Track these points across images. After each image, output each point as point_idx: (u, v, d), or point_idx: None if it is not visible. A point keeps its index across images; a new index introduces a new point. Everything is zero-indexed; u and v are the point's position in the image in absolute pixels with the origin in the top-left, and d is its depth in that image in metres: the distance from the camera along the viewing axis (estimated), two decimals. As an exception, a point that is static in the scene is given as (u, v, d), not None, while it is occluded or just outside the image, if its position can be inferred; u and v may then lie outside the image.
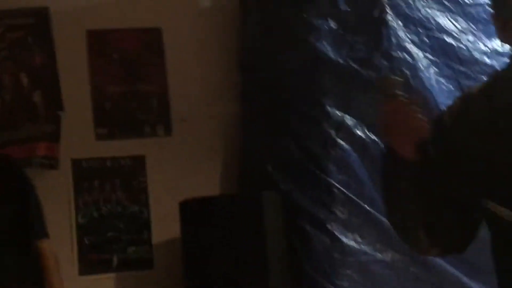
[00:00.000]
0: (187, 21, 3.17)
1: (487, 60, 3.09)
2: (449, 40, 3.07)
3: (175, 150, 3.14)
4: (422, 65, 3.01)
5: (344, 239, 2.86)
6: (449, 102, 2.82)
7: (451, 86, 3.05)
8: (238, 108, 3.16)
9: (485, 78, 2.87)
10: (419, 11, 3.06)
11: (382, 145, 2.77)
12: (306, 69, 2.97)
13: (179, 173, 3.09)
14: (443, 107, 2.78)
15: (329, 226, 2.86)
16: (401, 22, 3.03)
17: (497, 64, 3.05)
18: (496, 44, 3.08)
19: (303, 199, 2.91)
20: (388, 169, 1.45)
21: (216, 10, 3.20)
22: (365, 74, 2.95)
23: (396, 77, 1.44)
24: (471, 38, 3.11)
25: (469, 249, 1.45)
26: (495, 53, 3.10)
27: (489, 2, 2.92)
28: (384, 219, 2.80)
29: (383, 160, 1.46)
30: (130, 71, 3.14)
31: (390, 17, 2.99)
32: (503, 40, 1.43)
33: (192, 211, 2.90)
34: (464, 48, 3.08)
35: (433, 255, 1.79)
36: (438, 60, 3.06)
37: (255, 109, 3.12)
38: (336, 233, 2.85)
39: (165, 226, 3.06)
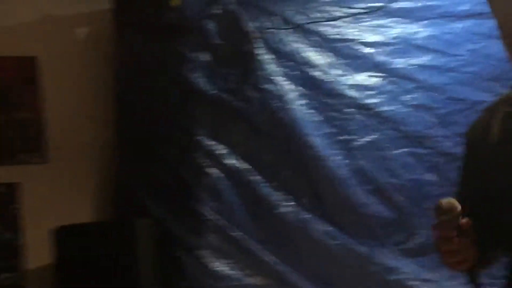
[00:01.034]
0: (63, 50, 3.39)
1: (353, 94, 3.43)
2: (317, 73, 3.39)
3: (51, 177, 3.34)
4: (291, 97, 3.31)
5: (216, 265, 3.10)
6: (316, 132, 3.24)
7: (318, 118, 3.36)
8: (113, 135, 3.38)
9: (350, 110, 3.33)
10: (289, 45, 3.37)
11: (251, 173, 3.16)
12: (178, 100, 3.22)
13: (55, 200, 3.29)
14: (310, 138, 3.21)
15: (200, 253, 3.10)
16: (272, 55, 3.33)
17: (362, 96, 3.47)
18: (361, 78, 3.47)
19: (176, 226, 3.14)
20: None
21: (92, 39, 3.43)
22: (236, 105, 3.24)
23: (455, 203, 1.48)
24: (337, 72, 3.44)
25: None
26: (359, 86, 3.45)
27: (354, 38, 3.37)
28: (253, 244, 3.18)
29: None
30: (5, 99, 3.38)
31: (261, 50, 3.29)
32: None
33: (66, 238, 3.08)
34: (331, 81, 3.40)
35: None
36: (306, 93, 3.36)
37: (129, 137, 3.35)
38: (208, 260, 3.10)
39: (38, 253, 3.23)
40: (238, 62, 3.32)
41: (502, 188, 1.55)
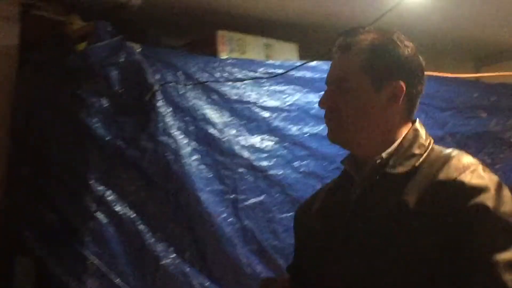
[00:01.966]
0: None
1: (246, 154, 3.74)
2: (213, 131, 3.67)
3: None
4: (186, 151, 3.56)
5: None
6: (207, 188, 3.53)
7: (210, 174, 3.64)
8: (4, 171, 3.55)
9: (241, 170, 3.65)
10: (189, 101, 3.64)
11: (138, 222, 3.39)
12: (73, 143, 3.41)
13: None
14: (199, 194, 3.50)
15: None
16: (170, 108, 3.57)
17: (254, 158, 3.80)
18: (255, 140, 3.79)
19: (57, 268, 3.30)
20: None
21: None
22: (130, 153, 3.45)
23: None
24: (233, 131, 3.73)
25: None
26: (253, 148, 3.77)
27: (253, 101, 3.69)
28: None
29: None
30: None
31: (160, 102, 3.52)
32: None
33: None
34: (226, 140, 3.69)
35: None
36: (201, 149, 3.62)
37: (21, 175, 3.51)
38: None
39: None
40: (137, 111, 3.53)
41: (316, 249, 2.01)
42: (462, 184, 1.73)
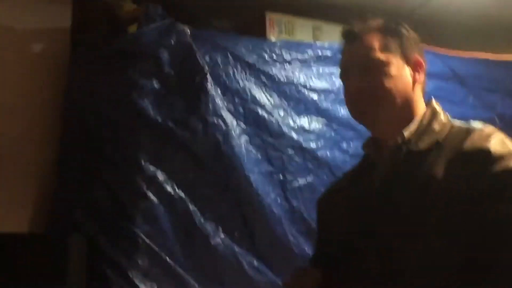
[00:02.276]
0: (16, 64, 3.62)
1: (294, 135, 3.79)
2: (261, 112, 3.73)
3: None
4: (235, 132, 3.62)
5: (143, 287, 3.35)
6: (256, 169, 3.58)
7: (259, 155, 3.69)
8: (56, 152, 3.62)
9: (290, 151, 3.69)
10: (238, 82, 3.70)
11: (188, 202, 3.47)
12: (125, 124, 3.48)
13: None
14: (248, 174, 3.56)
15: (129, 274, 3.33)
16: (220, 90, 3.63)
17: (302, 139, 3.87)
18: (304, 121, 3.86)
19: (108, 245, 3.38)
20: None
21: (47, 56, 3.67)
22: (180, 134, 3.51)
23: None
24: (281, 113, 3.79)
25: None
26: (302, 129, 3.83)
27: (301, 83, 3.74)
28: (181, 271, 3.49)
29: None
30: None
31: (209, 84, 3.58)
32: None
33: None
34: (275, 121, 3.74)
35: None
36: (249, 130, 3.68)
37: (72, 156, 3.58)
38: (136, 281, 3.34)
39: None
40: (187, 93, 3.59)
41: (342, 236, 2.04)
42: (487, 151, 1.75)
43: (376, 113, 1.95)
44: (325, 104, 3.90)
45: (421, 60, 2.01)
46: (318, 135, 3.85)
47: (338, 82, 3.94)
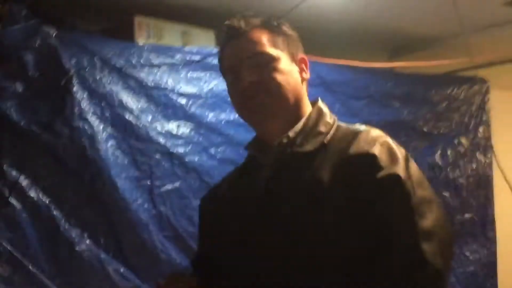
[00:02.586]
0: None
1: (162, 140, 3.79)
2: (129, 117, 3.71)
3: None
4: (101, 137, 3.59)
5: None
6: (123, 174, 3.56)
7: (126, 160, 3.68)
8: None
9: (157, 157, 3.69)
10: (105, 86, 3.66)
11: (52, 208, 3.40)
12: None
13: None
14: (115, 180, 3.53)
15: None
16: (86, 94, 3.59)
17: (170, 144, 3.86)
18: (172, 126, 3.85)
19: None
20: None
21: None
22: (45, 138, 3.46)
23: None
24: (149, 118, 3.78)
25: None
26: (169, 134, 3.83)
27: (170, 87, 3.74)
28: (45, 279, 3.42)
29: None
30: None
31: (75, 87, 3.55)
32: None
33: None
34: (142, 126, 3.73)
35: None
36: (116, 135, 3.66)
37: None
38: None
39: None
40: (52, 96, 3.54)
41: (226, 233, 2.03)
42: (373, 156, 1.78)
43: (269, 107, 1.91)
44: (194, 109, 3.93)
45: (306, 59, 2.02)
46: (186, 140, 3.87)
47: (206, 87, 3.98)
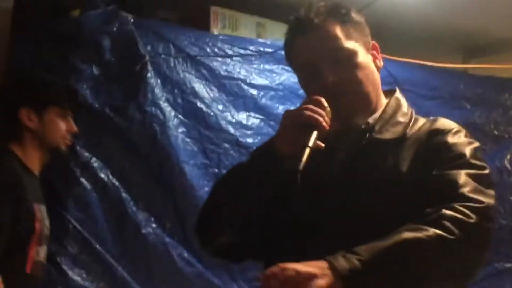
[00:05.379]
0: None
1: (232, 130, 3.83)
2: (200, 105, 3.76)
3: None
4: (172, 123, 3.65)
5: (70, 273, 3.35)
6: (191, 161, 3.60)
7: (195, 148, 3.72)
8: None
9: (226, 145, 3.72)
10: (178, 74, 3.71)
11: (121, 190, 3.46)
12: None
13: None
14: (183, 165, 3.58)
15: (58, 259, 3.33)
16: (160, 80, 3.65)
17: (239, 134, 3.90)
18: (242, 117, 3.91)
19: None
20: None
21: None
22: (117, 122, 3.53)
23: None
24: (220, 107, 3.82)
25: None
26: (239, 125, 3.86)
27: (242, 78, 3.77)
28: (110, 259, 3.49)
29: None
30: None
31: (150, 74, 3.60)
32: None
33: None
34: (213, 115, 3.78)
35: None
36: (187, 122, 3.71)
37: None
38: (64, 267, 3.34)
39: None
40: (126, 81, 3.61)
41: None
42: (446, 143, 1.81)
43: (352, 106, 1.88)
44: (264, 101, 3.95)
45: (377, 45, 1.98)
46: (255, 131, 3.90)
47: (278, 80, 4.00)
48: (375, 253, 1.60)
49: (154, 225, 3.59)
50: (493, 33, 4.94)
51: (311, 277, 1.54)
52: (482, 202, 1.68)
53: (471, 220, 1.66)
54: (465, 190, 1.72)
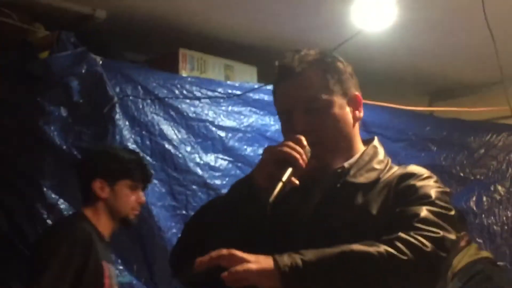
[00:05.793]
0: None
1: (200, 172, 3.84)
2: (168, 147, 3.77)
3: None
4: None
5: None
6: (159, 203, 3.59)
7: (163, 189, 3.73)
8: None
9: (194, 187, 3.73)
10: (146, 115, 3.73)
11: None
12: (29, 149, 3.47)
13: None
14: (151, 207, 3.57)
15: None
16: (128, 122, 3.67)
17: (207, 176, 3.91)
18: (210, 158, 3.91)
19: (2, 273, 3.35)
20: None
21: None
22: None
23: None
24: (188, 149, 3.83)
25: None
26: (207, 166, 3.87)
27: (210, 120, 3.78)
28: None
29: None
30: None
31: (118, 115, 3.61)
32: None
33: None
34: (181, 157, 3.79)
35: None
36: (155, 163, 3.71)
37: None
38: None
39: None
40: (95, 123, 3.62)
41: None
42: (414, 186, 1.84)
43: (321, 155, 1.90)
44: (232, 143, 3.97)
45: (360, 96, 2.00)
46: (224, 173, 3.91)
47: (246, 122, 4.02)
48: (319, 256, 1.63)
49: (121, 267, 3.56)
50: (458, 76, 5.02)
51: (244, 261, 1.59)
52: (438, 232, 1.71)
53: (426, 248, 1.68)
54: (424, 221, 1.75)
